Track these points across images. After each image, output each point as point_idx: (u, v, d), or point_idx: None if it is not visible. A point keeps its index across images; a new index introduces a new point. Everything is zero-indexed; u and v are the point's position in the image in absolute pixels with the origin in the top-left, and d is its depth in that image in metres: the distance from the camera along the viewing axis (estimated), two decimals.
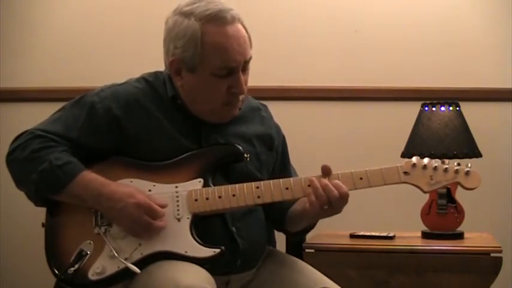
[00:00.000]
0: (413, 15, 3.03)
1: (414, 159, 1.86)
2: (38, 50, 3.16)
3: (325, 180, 1.80)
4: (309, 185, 1.82)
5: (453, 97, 2.72)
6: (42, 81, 3.13)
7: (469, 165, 1.86)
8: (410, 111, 2.68)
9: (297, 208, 1.95)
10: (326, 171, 1.83)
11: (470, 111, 2.65)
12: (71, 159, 1.83)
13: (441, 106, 2.55)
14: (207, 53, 1.82)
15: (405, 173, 1.85)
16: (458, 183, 1.85)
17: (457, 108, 2.57)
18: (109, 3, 3.14)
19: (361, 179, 1.83)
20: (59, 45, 3.14)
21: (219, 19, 1.82)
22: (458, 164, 1.86)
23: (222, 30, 1.82)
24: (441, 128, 2.52)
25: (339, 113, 3.07)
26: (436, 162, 1.85)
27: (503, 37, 2.97)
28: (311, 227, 2.02)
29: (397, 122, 2.91)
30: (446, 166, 1.85)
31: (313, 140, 3.04)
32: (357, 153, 2.99)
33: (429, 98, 2.71)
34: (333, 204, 1.79)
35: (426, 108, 2.57)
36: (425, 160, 1.86)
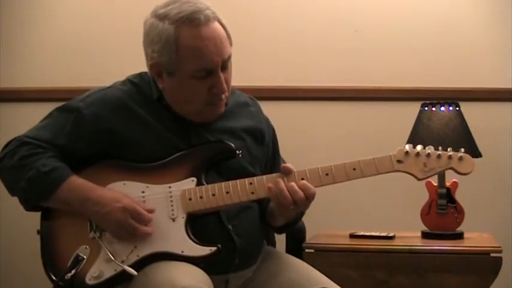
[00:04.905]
0: (413, 15, 3.03)
1: (407, 146, 1.84)
2: (38, 50, 3.16)
3: (292, 183, 1.78)
4: (302, 178, 1.80)
5: (453, 97, 2.72)
6: (42, 81, 3.13)
7: (462, 150, 1.85)
8: (410, 111, 2.68)
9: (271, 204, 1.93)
10: (286, 171, 1.81)
11: (470, 111, 2.65)
12: (57, 165, 1.82)
13: (441, 106, 2.55)
14: (183, 57, 1.79)
15: (398, 161, 1.83)
16: (452, 168, 1.83)
17: (457, 108, 2.57)
18: (109, 3, 3.14)
19: (354, 169, 1.83)
20: (59, 45, 3.14)
21: (192, 21, 1.78)
22: (452, 150, 1.84)
23: (196, 32, 1.79)
24: (441, 128, 2.52)
25: (339, 113, 3.07)
26: (429, 149, 1.83)
27: (503, 37, 2.97)
28: (290, 225, 1.99)
29: (397, 122, 2.91)
30: (440, 152, 1.83)
31: (313, 140, 3.03)
32: (357, 153, 2.93)
33: (429, 98, 2.71)
34: (298, 204, 1.78)
35: (426, 108, 2.57)
36: (418, 147, 1.84)
